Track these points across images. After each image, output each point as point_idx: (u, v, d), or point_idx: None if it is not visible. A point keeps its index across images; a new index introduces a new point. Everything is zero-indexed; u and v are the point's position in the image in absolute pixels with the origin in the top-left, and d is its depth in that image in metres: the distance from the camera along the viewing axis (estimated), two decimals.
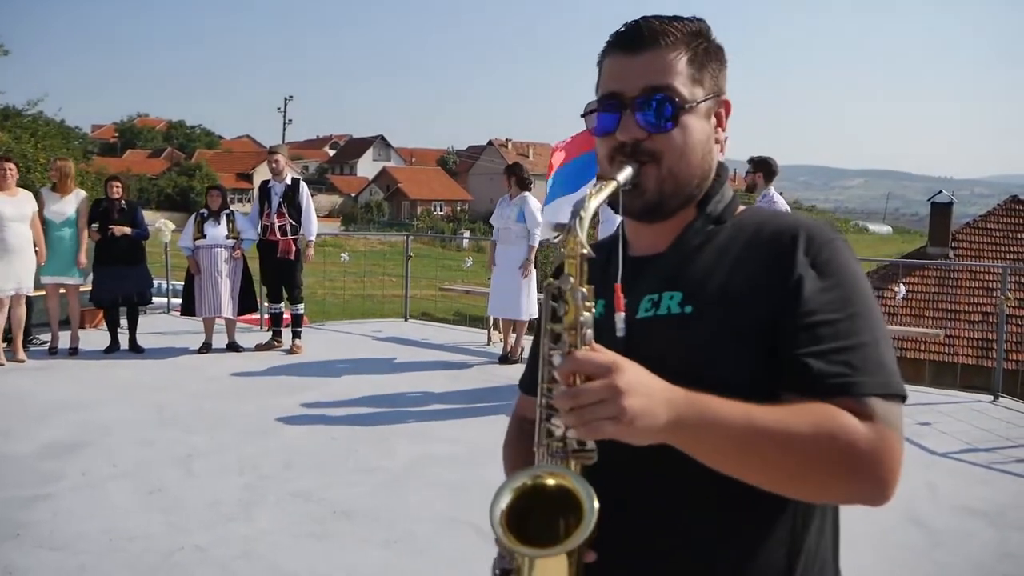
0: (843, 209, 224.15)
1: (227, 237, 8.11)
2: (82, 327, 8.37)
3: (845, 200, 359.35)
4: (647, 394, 0.99)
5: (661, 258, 1.26)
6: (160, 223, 8.78)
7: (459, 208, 68.99)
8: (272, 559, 3.76)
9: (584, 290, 1.04)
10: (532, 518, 1.07)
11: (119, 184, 8.28)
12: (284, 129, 56.56)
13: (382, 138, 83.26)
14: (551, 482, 1.07)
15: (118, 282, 7.99)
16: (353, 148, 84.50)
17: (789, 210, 6.83)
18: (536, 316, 8.32)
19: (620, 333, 1.10)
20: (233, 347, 8.26)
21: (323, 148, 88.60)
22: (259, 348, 8.33)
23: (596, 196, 1.12)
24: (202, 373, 7.33)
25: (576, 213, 1.08)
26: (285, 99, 56.40)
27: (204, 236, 8.10)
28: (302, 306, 8.38)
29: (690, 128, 1.21)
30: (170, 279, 10.73)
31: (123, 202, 8.12)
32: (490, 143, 78.12)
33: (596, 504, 1.01)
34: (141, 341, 8.18)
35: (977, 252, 21.08)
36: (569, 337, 1.04)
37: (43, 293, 8.13)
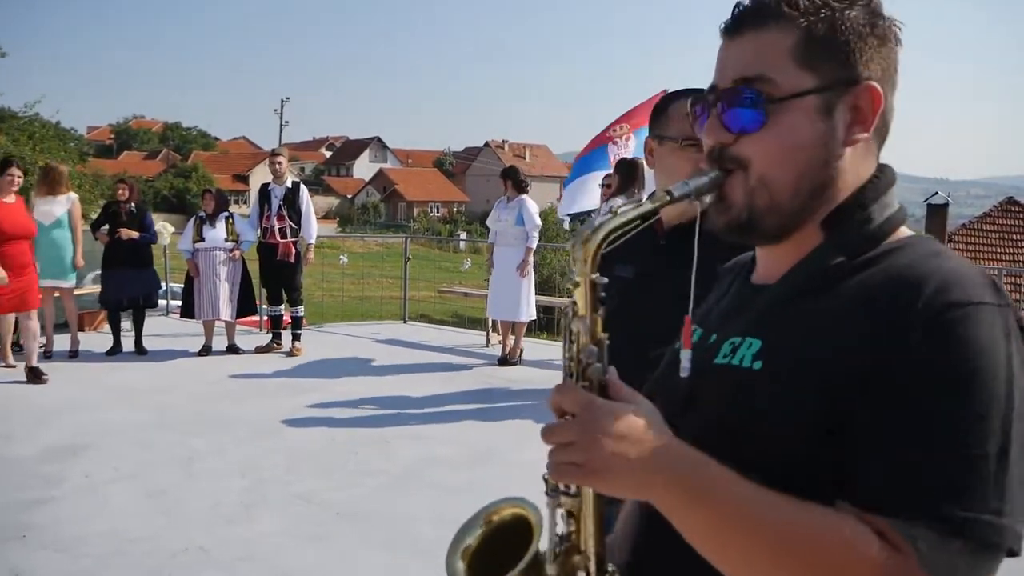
0: None
1: (226, 240, 8.14)
2: (81, 330, 8.37)
3: None
4: (616, 448, 0.85)
5: (767, 291, 1.04)
6: (159, 226, 8.78)
7: (455, 209, 69.00)
8: (275, 561, 3.78)
9: (588, 319, 0.94)
10: (504, 554, 1.02)
11: (126, 186, 8.29)
12: (281, 131, 56.68)
13: (378, 140, 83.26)
14: (508, 515, 1.05)
15: (126, 285, 8.01)
16: (349, 150, 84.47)
17: None
18: (535, 317, 8.36)
19: (684, 373, 1.00)
20: (233, 349, 8.28)
21: (319, 150, 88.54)
22: (259, 350, 8.35)
23: (628, 212, 0.94)
24: (202, 375, 7.34)
25: (593, 228, 0.94)
26: (282, 101, 56.63)
27: (203, 239, 8.13)
28: (302, 308, 8.41)
29: (789, 127, 0.95)
30: (169, 281, 10.74)
31: (132, 205, 8.13)
32: (486, 144, 78.18)
33: (543, 522, 0.97)
34: None
35: (973, 254, 21.15)
36: (572, 366, 0.94)
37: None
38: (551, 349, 9.37)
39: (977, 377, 0.81)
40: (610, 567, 0.96)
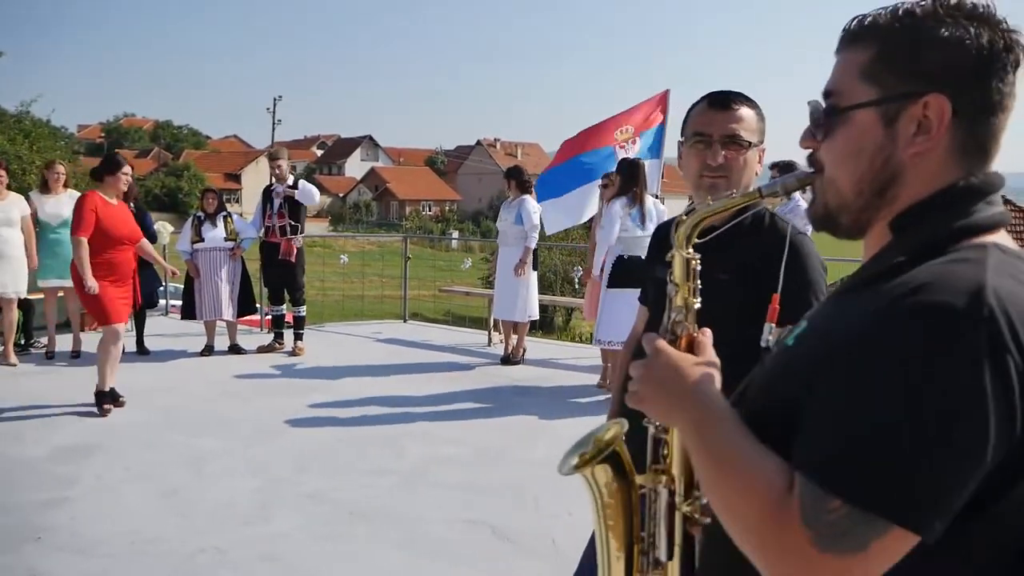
0: None
1: (226, 239, 8.16)
2: (82, 330, 8.37)
3: None
4: (659, 383, 1.11)
5: (840, 284, 1.16)
6: (159, 225, 8.77)
7: (447, 208, 68.99)
8: (292, 561, 3.81)
9: (682, 287, 1.20)
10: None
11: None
12: (274, 130, 56.53)
13: (370, 138, 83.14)
14: (610, 434, 1.27)
15: None
16: (341, 148, 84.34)
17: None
18: (536, 317, 8.39)
19: (763, 343, 1.23)
20: (235, 349, 8.29)
21: (311, 148, 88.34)
22: (261, 350, 8.36)
23: (721, 202, 1.22)
24: (206, 375, 7.35)
25: (691, 213, 1.21)
26: (275, 99, 56.36)
27: (202, 239, 8.13)
28: (304, 308, 8.42)
29: (848, 135, 1.06)
30: (167, 281, 10.73)
31: (132, 204, 8.12)
32: (478, 143, 78.20)
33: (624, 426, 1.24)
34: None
35: None
36: (666, 322, 1.21)
37: (41, 296, 8.13)
38: (553, 348, 9.42)
39: (910, 369, 0.86)
40: (696, 493, 1.18)
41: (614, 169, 7.00)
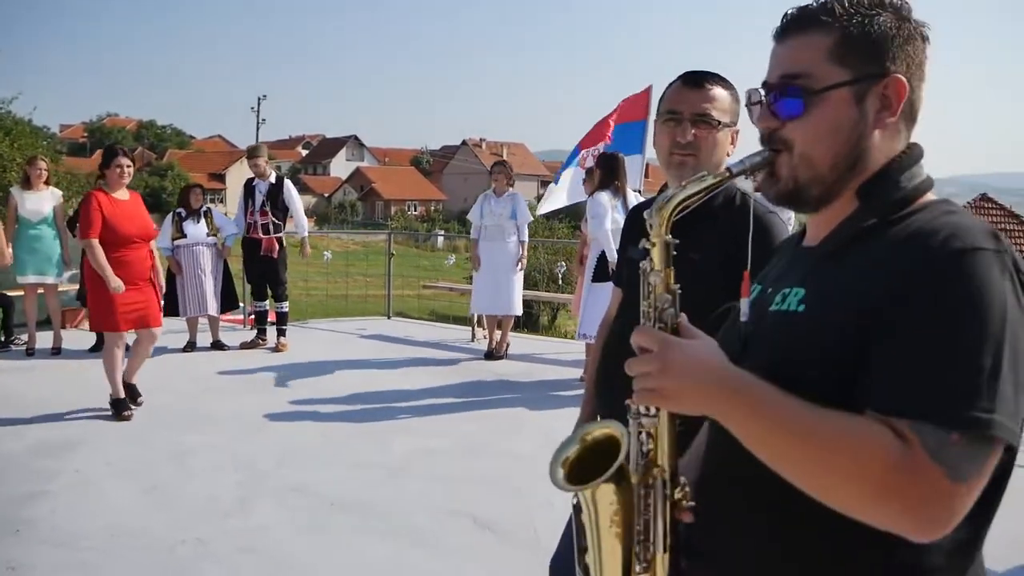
0: None
1: (208, 235, 8.14)
2: (63, 326, 8.31)
3: None
4: (685, 374, 1.07)
5: (813, 251, 1.23)
6: None
7: (433, 208, 68.87)
8: (274, 552, 3.80)
9: (663, 273, 1.16)
10: (596, 466, 1.20)
11: None
12: (258, 129, 56.28)
13: (355, 138, 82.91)
14: (600, 434, 1.24)
15: None
16: (326, 148, 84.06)
17: None
18: (520, 313, 8.40)
19: (743, 317, 1.22)
20: (218, 345, 8.25)
21: (296, 148, 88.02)
22: (244, 346, 8.33)
23: (694, 184, 1.17)
24: (188, 372, 7.32)
25: (667, 198, 1.16)
26: (259, 99, 56.18)
27: (184, 235, 8.10)
28: (286, 304, 8.39)
29: (825, 113, 1.14)
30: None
31: None
32: (464, 143, 78.09)
33: (628, 438, 1.17)
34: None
35: None
36: (649, 311, 1.16)
37: (21, 293, 8.08)
38: (537, 343, 9.43)
39: (975, 306, 0.98)
40: (682, 479, 1.19)
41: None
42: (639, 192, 7.26)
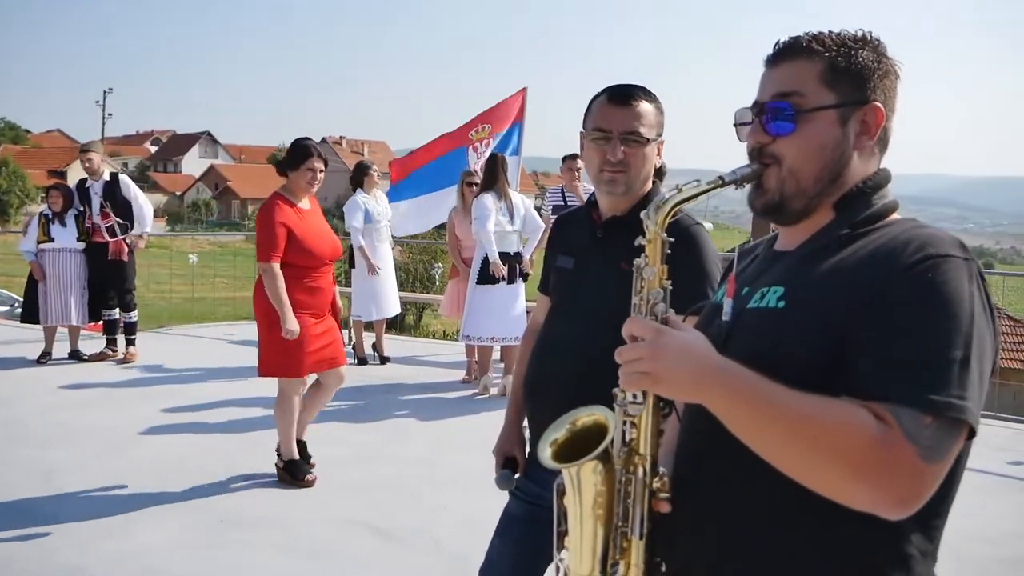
0: None
1: (78, 239, 7.60)
2: None
3: None
4: (677, 360, 1.14)
5: (789, 255, 1.33)
6: None
7: None
8: (167, 573, 3.62)
9: (656, 269, 1.23)
10: (581, 452, 1.28)
11: None
12: (104, 123, 53.40)
13: (208, 134, 79.84)
14: (589, 421, 1.33)
15: None
16: (177, 144, 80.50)
17: None
18: (391, 315, 8.25)
19: (725, 317, 1.31)
20: (76, 355, 7.76)
21: (144, 144, 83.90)
22: (93, 358, 7.79)
23: (690, 191, 1.25)
24: (47, 384, 6.85)
25: (664, 200, 1.24)
26: (104, 92, 53.33)
27: (51, 239, 7.56)
28: (135, 313, 7.89)
29: (813, 132, 1.26)
30: None
31: None
32: (323, 140, 76.55)
33: (615, 420, 1.25)
34: None
35: None
36: (640, 304, 1.24)
37: None
38: (413, 345, 9.37)
39: (948, 305, 1.10)
40: (661, 470, 1.26)
41: (466, 167, 7.10)
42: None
